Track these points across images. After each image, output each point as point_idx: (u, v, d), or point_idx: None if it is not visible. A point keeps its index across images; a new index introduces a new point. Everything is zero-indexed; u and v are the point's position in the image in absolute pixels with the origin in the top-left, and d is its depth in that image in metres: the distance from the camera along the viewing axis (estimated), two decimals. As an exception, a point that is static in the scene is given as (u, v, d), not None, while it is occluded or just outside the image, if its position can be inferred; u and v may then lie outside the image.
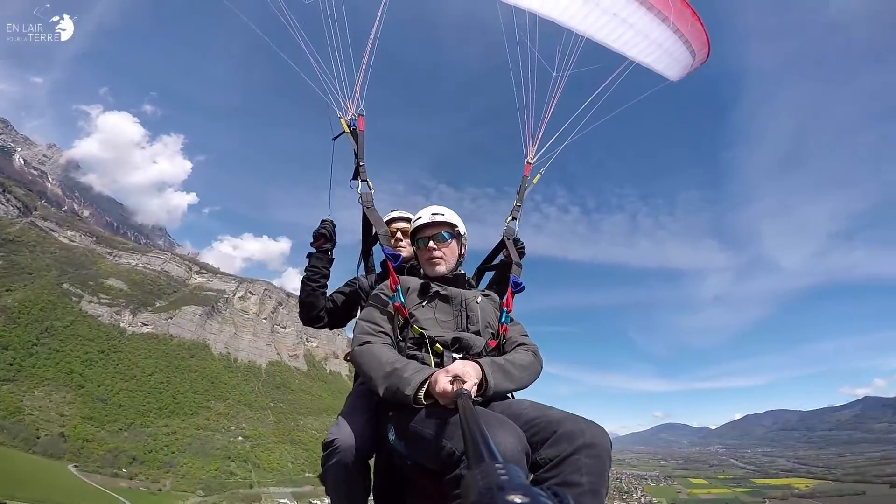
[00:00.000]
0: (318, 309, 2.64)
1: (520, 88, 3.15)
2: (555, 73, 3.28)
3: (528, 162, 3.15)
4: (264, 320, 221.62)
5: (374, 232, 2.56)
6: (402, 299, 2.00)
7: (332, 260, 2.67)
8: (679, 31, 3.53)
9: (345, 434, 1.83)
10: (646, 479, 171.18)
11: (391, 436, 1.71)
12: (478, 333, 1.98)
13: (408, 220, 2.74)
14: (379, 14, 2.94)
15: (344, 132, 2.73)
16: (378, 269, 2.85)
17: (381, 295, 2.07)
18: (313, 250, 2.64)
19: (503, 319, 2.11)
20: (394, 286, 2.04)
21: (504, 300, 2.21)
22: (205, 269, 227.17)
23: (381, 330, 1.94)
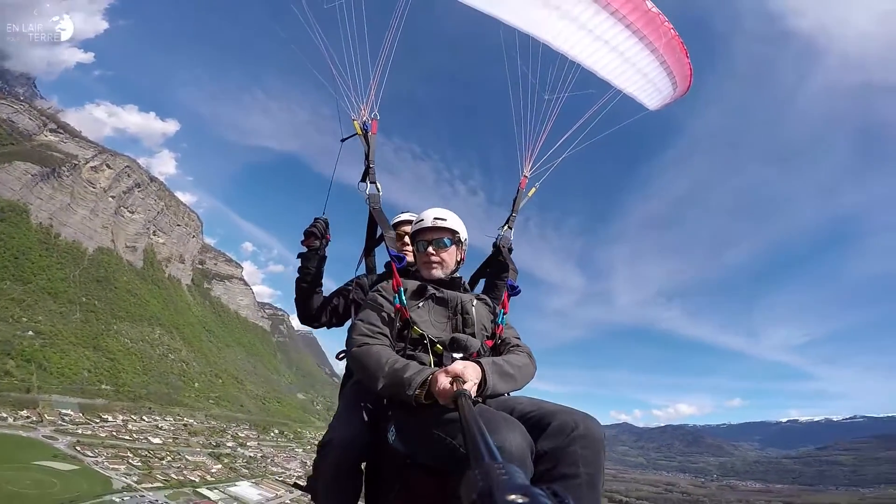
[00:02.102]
0: (313, 309, 2.67)
1: (518, 105, 3.27)
2: (547, 96, 3.36)
3: (524, 175, 3.23)
4: (111, 198, 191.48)
5: (378, 234, 2.58)
6: (404, 301, 2.01)
7: (323, 258, 2.65)
8: (665, 62, 3.61)
9: (341, 434, 1.83)
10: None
11: (391, 436, 1.72)
12: (473, 335, 2.00)
13: None
14: (396, 19, 3.04)
15: (356, 134, 2.76)
16: (379, 270, 2.81)
17: (381, 296, 2.07)
18: (304, 249, 2.59)
19: (500, 320, 2.19)
20: (396, 287, 2.04)
21: (500, 302, 2.31)
22: (62, 128, 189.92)
23: (379, 331, 1.94)
